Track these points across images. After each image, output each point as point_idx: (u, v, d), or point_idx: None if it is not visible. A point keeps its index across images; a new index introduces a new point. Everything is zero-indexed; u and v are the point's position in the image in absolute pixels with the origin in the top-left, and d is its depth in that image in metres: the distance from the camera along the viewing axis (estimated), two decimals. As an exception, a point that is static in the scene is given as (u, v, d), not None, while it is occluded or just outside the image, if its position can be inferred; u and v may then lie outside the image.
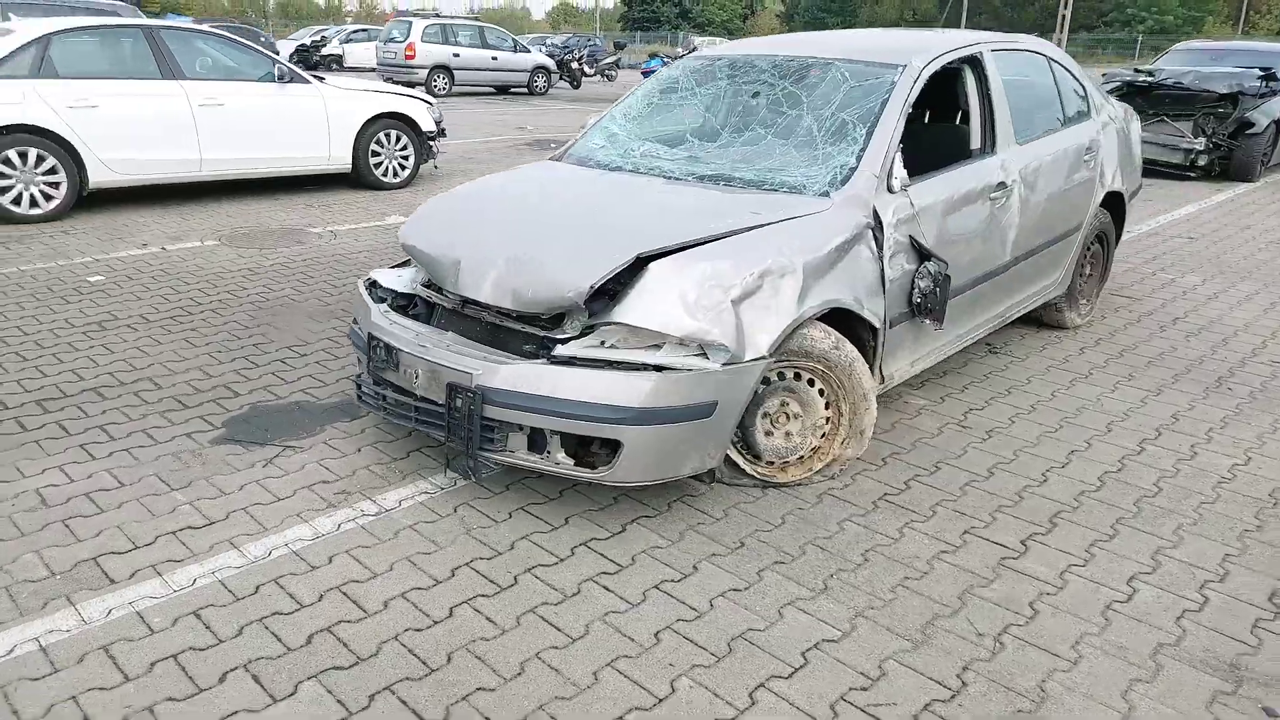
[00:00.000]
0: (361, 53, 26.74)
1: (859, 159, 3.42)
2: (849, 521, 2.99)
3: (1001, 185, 3.94)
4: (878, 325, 3.30)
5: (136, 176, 7.33)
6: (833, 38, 4.36)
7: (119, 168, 7.15)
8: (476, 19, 24.48)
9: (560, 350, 2.85)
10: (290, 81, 7.98)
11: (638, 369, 2.77)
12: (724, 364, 2.82)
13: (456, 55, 19.86)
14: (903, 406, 3.95)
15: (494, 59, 20.60)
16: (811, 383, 3.17)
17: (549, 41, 30.04)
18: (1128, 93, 10.35)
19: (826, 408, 3.21)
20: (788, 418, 3.17)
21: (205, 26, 8.14)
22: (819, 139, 3.58)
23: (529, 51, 21.81)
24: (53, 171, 6.90)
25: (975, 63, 4.09)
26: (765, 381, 3.09)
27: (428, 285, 3.44)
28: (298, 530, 2.85)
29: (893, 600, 2.56)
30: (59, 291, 5.26)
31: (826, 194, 3.33)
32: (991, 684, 2.23)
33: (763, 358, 2.89)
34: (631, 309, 2.83)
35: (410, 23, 19.87)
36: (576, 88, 24.09)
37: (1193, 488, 3.27)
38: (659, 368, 2.77)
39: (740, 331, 2.85)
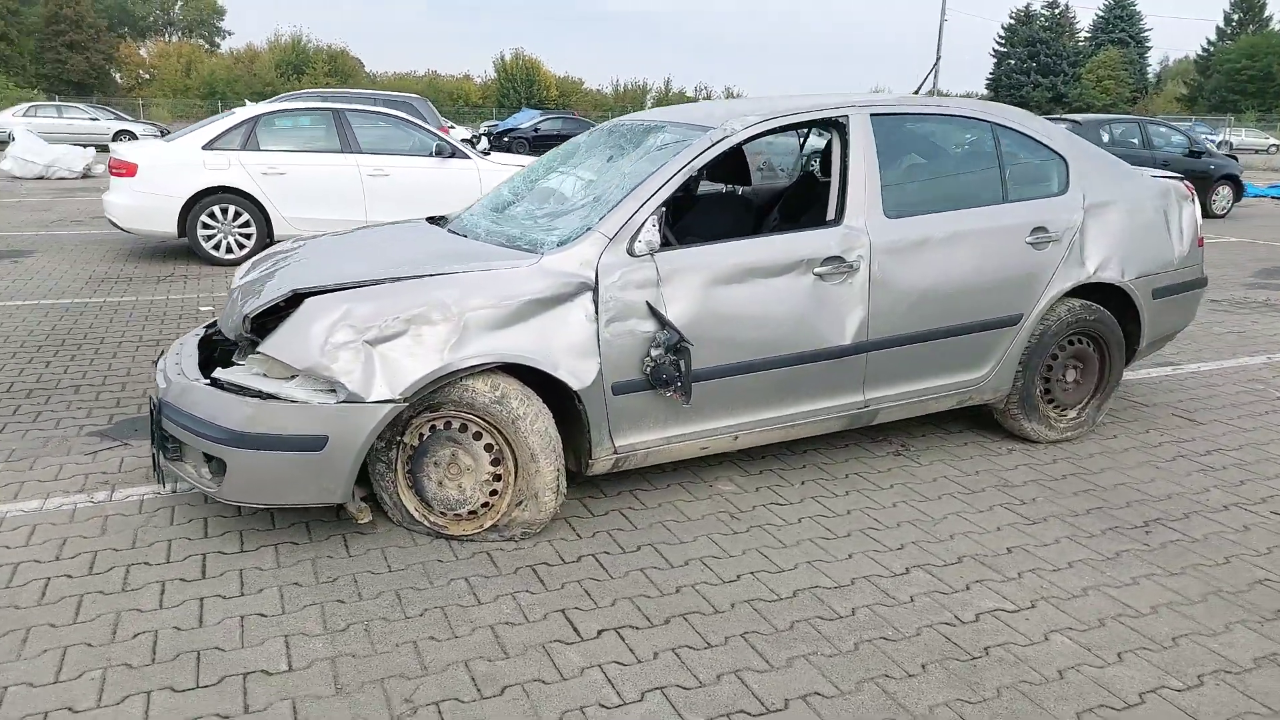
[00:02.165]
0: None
1: (599, 220, 3.30)
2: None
3: (837, 259, 3.54)
4: (576, 387, 3.14)
5: (312, 232, 8.64)
6: (739, 104, 4.18)
7: (298, 224, 8.48)
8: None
9: (218, 373, 3.09)
10: (451, 156, 8.96)
11: (246, 394, 2.93)
12: (340, 401, 2.88)
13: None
14: (711, 482, 3.64)
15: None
16: (478, 436, 3.09)
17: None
18: None
19: (494, 464, 3.11)
20: (460, 470, 3.12)
21: (384, 109, 9.39)
22: (591, 200, 3.52)
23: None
24: (246, 225, 8.37)
25: (839, 128, 3.74)
26: (433, 429, 3.08)
27: None
28: (30, 503, 3.32)
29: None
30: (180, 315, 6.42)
31: (532, 251, 3.27)
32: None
33: (391, 401, 2.91)
34: (274, 340, 3.00)
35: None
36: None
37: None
38: (266, 395, 2.91)
39: (369, 372, 2.90)
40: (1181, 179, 4.60)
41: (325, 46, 60.64)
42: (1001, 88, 65.88)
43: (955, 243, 3.77)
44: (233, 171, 8.25)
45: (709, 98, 69.21)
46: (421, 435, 3.08)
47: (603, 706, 2.29)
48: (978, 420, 4.42)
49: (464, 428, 3.08)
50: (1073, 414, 4.26)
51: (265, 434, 2.87)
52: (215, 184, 8.22)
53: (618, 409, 3.25)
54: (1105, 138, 13.63)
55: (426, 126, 9.22)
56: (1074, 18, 66.19)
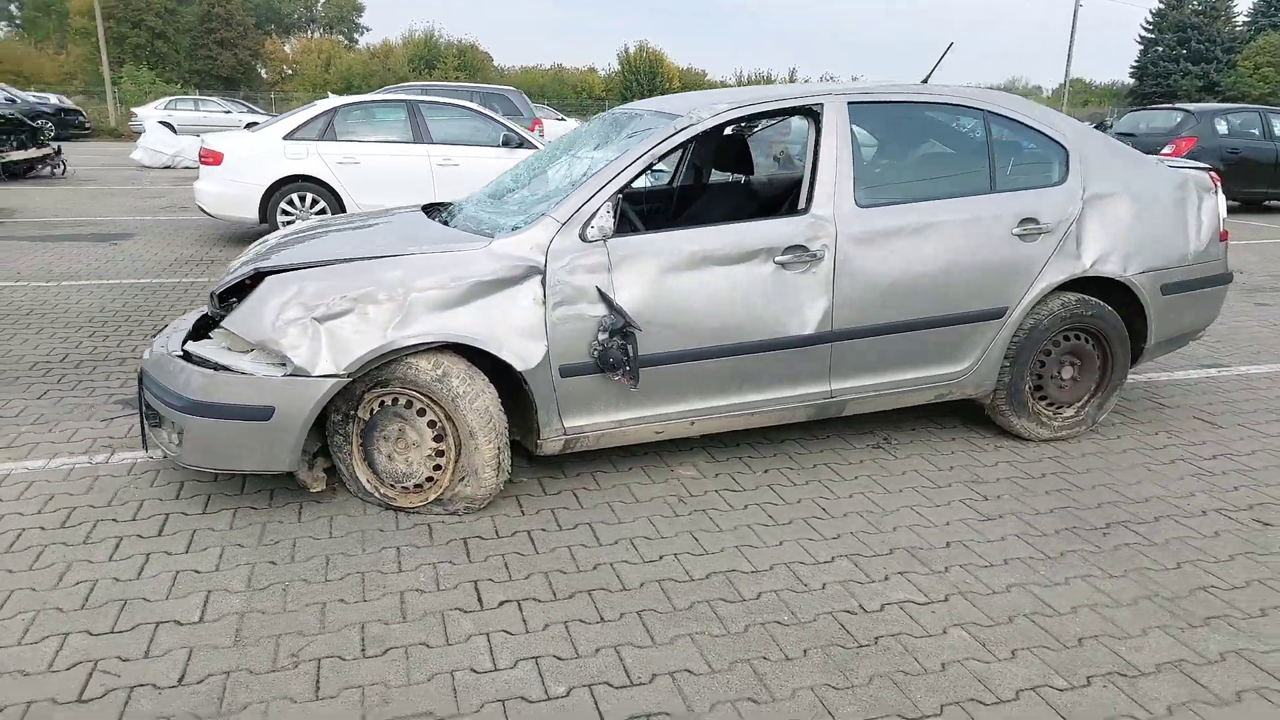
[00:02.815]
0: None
1: (554, 206, 3.40)
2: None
3: (800, 249, 3.53)
4: (521, 368, 3.25)
5: (384, 219, 9.03)
6: (719, 93, 4.19)
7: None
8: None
9: (189, 345, 3.35)
10: (519, 146, 9.20)
11: (204, 366, 3.16)
12: (287, 374, 3.09)
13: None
14: (674, 466, 3.69)
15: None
16: (422, 413, 3.25)
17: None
18: None
19: (437, 440, 3.25)
20: (408, 445, 3.28)
21: (457, 101, 9.67)
22: (568, 186, 3.61)
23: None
24: (322, 212, 8.82)
25: (814, 117, 3.72)
26: (382, 405, 3.25)
27: None
28: (36, 462, 3.67)
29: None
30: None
31: (491, 235, 3.39)
32: None
33: (335, 376, 3.09)
34: (234, 316, 3.23)
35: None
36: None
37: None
38: (220, 367, 3.14)
39: (316, 348, 3.09)
40: (1208, 169, 4.34)
41: (456, 41, 62.44)
42: (1147, 76, 62.12)
43: (930, 233, 3.69)
44: (310, 161, 8.70)
45: None
46: (372, 410, 3.25)
47: (473, 671, 2.40)
48: (972, 416, 4.31)
49: (409, 404, 3.24)
50: (1070, 412, 4.10)
51: (217, 403, 3.10)
52: (294, 173, 8.69)
53: (566, 391, 3.35)
54: (1222, 129, 12.78)
55: (497, 118, 9.47)
56: (1231, 1, 61.77)
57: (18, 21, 66.51)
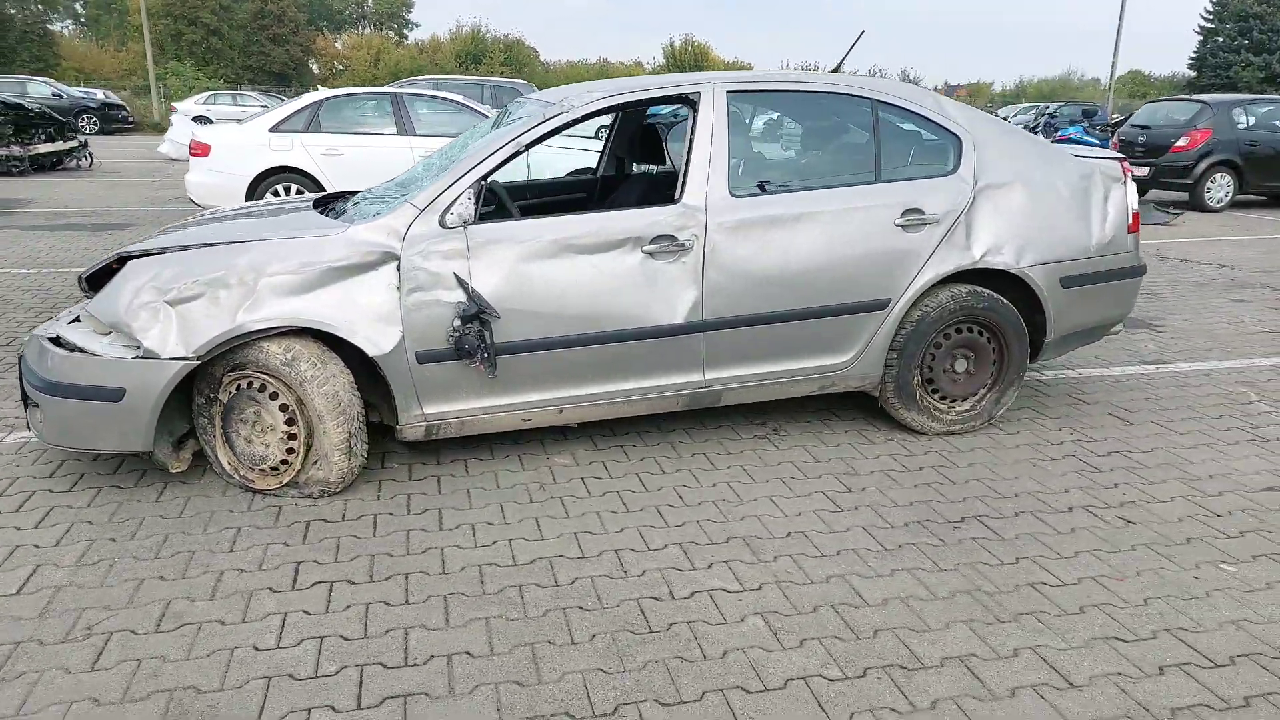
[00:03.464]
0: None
1: (416, 193, 3.44)
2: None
3: (668, 238, 3.52)
4: (373, 354, 3.29)
5: (367, 211, 9.16)
6: (602, 83, 4.13)
7: (353, 203, 8.99)
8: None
9: (60, 328, 3.44)
10: (500, 138, 9.24)
11: (57, 347, 3.25)
12: (137, 356, 3.17)
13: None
14: (550, 455, 3.71)
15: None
16: (274, 396, 3.30)
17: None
18: None
19: (289, 424, 3.31)
20: (264, 428, 3.34)
21: (442, 94, 9.74)
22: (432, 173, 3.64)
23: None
24: (306, 203, 8.97)
25: (691, 105, 3.70)
26: (238, 388, 3.31)
27: None
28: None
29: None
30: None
31: (350, 221, 3.44)
32: None
33: (185, 359, 3.16)
34: (96, 299, 3.32)
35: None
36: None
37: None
38: (75, 349, 3.23)
39: (166, 331, 3.17)
40: (1122, 159, 4.23)
41: (502, 36, 62.90)
42: (1206, 67, 60.18)
43: (808, 223, 3.65)
44: (295, 153, 8.85)
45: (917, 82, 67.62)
46: (230, 393, 3.32)
47: (255, 649, 2.45)
48: (872, 409, 4.25)
49: (263, 388, 3.30)
50: (964, 406, 4.03)
51: (71, 384, 3.19)
52: (278, 164, 8.84)
53: (425, 377, 3.38)
54: (1241, 121, 12.36)
55: (482, 110, 9.53)
56: (1297, -12, 59.62)
57: (83, 20, 68.60)
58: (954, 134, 3.92)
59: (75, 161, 15.89)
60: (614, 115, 4.90)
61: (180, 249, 3.36)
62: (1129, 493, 3.46)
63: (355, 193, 4.47)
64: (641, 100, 3.73)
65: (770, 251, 3.62)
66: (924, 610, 2.66)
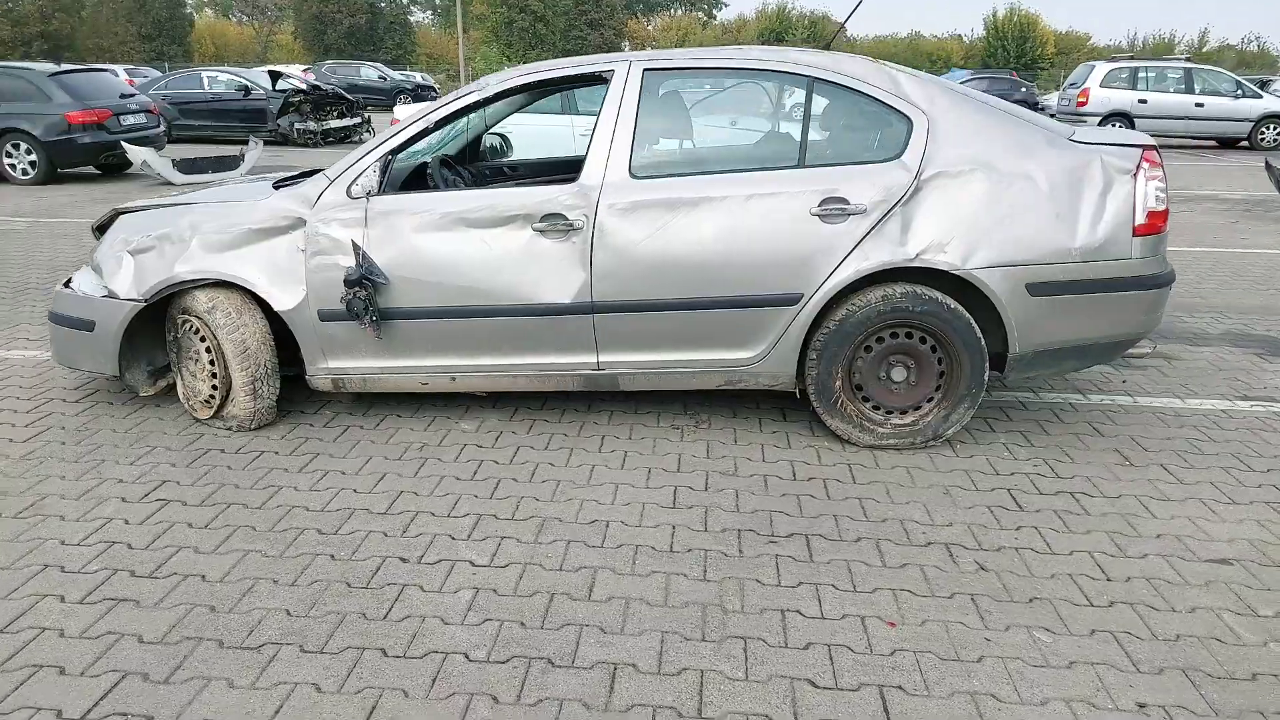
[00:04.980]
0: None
1: (333, 165, 3.74)
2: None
3: (557, 216, 3.55)
4: (279, 309, 3.66)
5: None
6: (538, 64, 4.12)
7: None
8: (1189, 60, 20.54)
9: (77, 273, 4.14)
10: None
11: (65, 287, 3.93)
12: (103, 296, 3.76)
13: (1143, 101, 17.66)
14: (458, 420, 3.90)
15: (1198, 105, 17.66)
16: (203, 339, 3.76)
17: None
18: None
19: (212, 364, 3.75)
20: (201, 367, 3.82)
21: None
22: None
23: (1260, 96, 18.00)
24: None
25: (605, 84, 3.68)
26: (184, 329, 3.81)
27: None
28: None
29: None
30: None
31: (277, 188, 3.80)
32: None
33: (134, 300, 3.72)
34: (96, 248, 3.97)
35: (1094, 66, 18.39)
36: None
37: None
38: (67, 286, 3.90)
39: (125, 276, 3.75)
40: (1142, 148, 3.59)
41: (808, 14, 62.34)
42: None
43: (708, 209, 3.51)
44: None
45: (1262, 51, 59.18)
46: (182, 333, 3.82)
47: (61, 566, 2.87)
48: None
49: (196, 330, 3.77)
50: (905, 420, 3.66)
51: (62, 314, 3.89)
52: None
53: (326, 334, 3.69)
54: None
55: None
56: None
57: (438, 10, 76.87)
58: (906, 116, 3.55)
59: (359, 136, 18.06)
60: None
61: (150, 208, 3.93)
62: (1024, 539, 2.99)
63: None
64: (551, 80, 3.75)
65: (665, 236, 3.52)
66: (636, 613, 2.55)
